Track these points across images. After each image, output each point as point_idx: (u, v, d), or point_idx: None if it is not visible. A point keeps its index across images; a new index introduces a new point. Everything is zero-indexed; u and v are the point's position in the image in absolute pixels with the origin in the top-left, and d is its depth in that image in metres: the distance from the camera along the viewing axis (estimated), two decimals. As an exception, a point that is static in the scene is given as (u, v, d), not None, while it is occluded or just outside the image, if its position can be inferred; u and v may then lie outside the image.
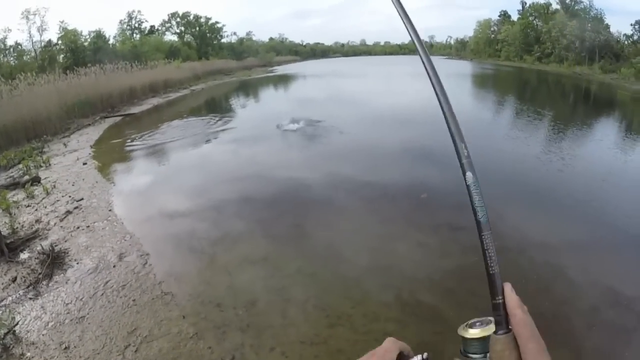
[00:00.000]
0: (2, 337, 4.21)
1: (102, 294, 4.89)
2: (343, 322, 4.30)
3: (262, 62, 56.62)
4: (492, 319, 0.73)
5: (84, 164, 10.69)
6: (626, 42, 36.81)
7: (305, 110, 17.06)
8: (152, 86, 23.72)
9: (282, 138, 12.59)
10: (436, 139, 10.46)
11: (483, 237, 0.74)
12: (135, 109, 19.59)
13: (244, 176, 9.12)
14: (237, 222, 6.86)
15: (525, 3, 52.79)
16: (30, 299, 4.94)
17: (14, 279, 5.38)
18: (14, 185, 9.15)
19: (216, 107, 21.48)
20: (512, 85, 27.77)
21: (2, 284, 5.30)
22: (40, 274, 5.42)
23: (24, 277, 5.41)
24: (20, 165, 10.57)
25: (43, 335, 4.28)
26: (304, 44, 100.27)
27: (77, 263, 5.68)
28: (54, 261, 5.67)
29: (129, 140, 13.24)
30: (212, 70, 37.11)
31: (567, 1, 44.21)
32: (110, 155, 11.67)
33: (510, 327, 0.70)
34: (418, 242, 5.94)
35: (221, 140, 12.95)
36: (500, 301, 0.71)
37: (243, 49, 58.32)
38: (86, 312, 4.58)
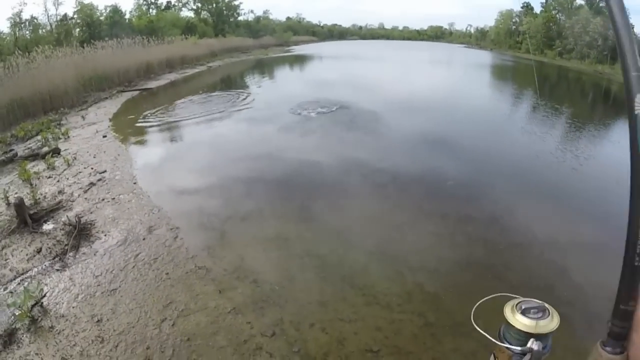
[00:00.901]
0: (29, 308, 3.96)
1: (134, 267, 4.64)
2: (379, 300, 4.08)
3: (279, 42, 55.78)
4: (548, 306, 0.61)
5: (104, 136, 10.43)
6: None
7: (320, 93, 16.81)
8: (168, 62, 23.35)
9: (297, 120, 12.16)
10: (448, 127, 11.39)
11: None
12: (152, 84, 19.26)
13: (263, 154, 8.88)
14: (262, 200, 6.59)
15: (550, -4, 51.49)
16: (57, 270, 4.70)
17: (39, 250, 5.14)
18: (34, 156, 8.91)
19: (233, 84, 21.03)
20: (532, 80, 27.07)
21: (27, 255, 5.05)
22: (66, 245, 5.18)
23: (49, 248, 5.16)
24: (39, 137, 10.33)
25: (73, 307, 4.04)
26: (322, 24, 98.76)
27: (105, 235, 5.42)
28: (81, 233, 5.42)
29: (148, 115, 12.93)
30: (229, 48, 36.56)
31: (592, -3, 43.28)
32: (129, 129, 11.37)
33: (625, 345, 0.54)
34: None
35: (239, 118, 12.56)
36: (632, 309, 0.55)
37: (260, 27, 57.35)
38: (117, 285, 4.33)
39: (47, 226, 5.76)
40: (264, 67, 30.62)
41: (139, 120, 12.25)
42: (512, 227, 5.79)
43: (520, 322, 0.59)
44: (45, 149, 9.23)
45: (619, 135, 11.60)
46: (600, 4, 41.92)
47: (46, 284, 4.43)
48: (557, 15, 48.44)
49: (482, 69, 34.63)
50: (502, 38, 61.31)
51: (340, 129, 11.03)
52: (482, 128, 12.30)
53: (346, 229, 5.59)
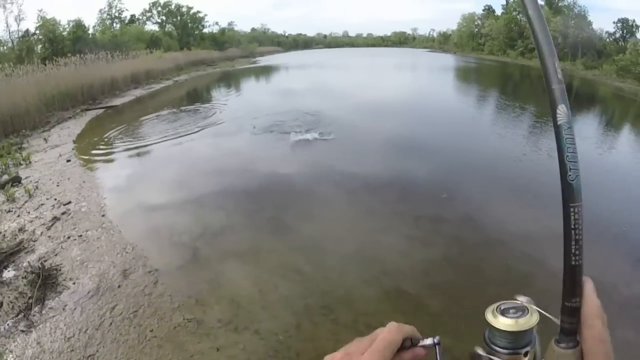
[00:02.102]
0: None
1: (111, 324, 4.06)
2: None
3: (245, 53, 55.14)
4: (528, 306, 0.60)
5: (68, 161, 9.69)
6: (608, 40, 37.77)
7: (287, 103, 16.98)
8: (133, 77, 22.44)
9: (267, 133, 11.74)
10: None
11: (572, 210, 0.59)
12: (117, 101, 18.41)
13: (233, 170, 8.63)
14: (248, 227, 6.11)
15: (510, -2, 53.04)
16: (22, 331, 4.08)
17: (0, 305, 4.49)
18: (-8, 186, 8.13)
19: (200, 99, 20.36)
20: (495, 79, 27.71)
21: (-15, 311, 4.41)
22: (30, 297, 4.56)
23: (11, 302, 4.53)
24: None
25: (47, 384, 3.46)
26: (286, 34, 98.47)
27: (73, 283, 4.81)
28: (45, 282, 4.80)
29: (113, 135, 12.19)
30: (195, 61, 35.71)
31: (551, -3, 44.79)
32: (94, 151, 10.63)
33: (579, 340, 0.57)
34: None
35: (208, 136, 11.97)
36: (577, 305, 0.58)
37: (225, 39, 56.40)
38: (95, 350, 3.75)
39: (8, 274, 5.10)
40: (231, 80, 29.97)
41: (105, 142, 11.52)
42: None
43: (502, 322, 0.59)
44: (5, 177, 8.44)
45: (581, 128, 12.59)
46: (560, 4, 43.54)
47: (11, 351, 3.82)
48: (518, 17, 50.08)
49: (446, 71, 34.97)
50: (464, 41, 62.80)
51: (309, 135, 10.87)
52: (448, 127, 12.65)
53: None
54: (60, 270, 5.08)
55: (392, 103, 16.69)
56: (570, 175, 0.59)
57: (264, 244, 5.57)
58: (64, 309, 4.36)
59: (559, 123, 0.60)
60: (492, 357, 0.60)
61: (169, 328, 3.94)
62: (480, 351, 0.62)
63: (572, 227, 0.58)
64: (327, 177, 8.00)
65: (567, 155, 0.59)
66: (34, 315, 4.30)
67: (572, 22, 40.00)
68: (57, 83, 15.32)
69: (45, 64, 16.75)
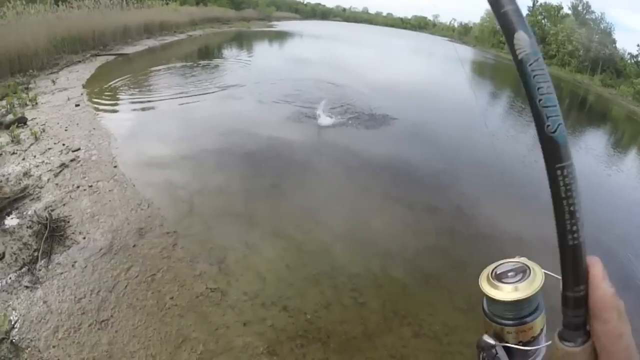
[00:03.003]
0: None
1: (126, 287, 3.65)
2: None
3: (261, 16, 53.28)
4: (528, 264, 0.53)
5: (77, 105, 9.13)
6: (629, 61, 36.68)
7: (300, 71, 16.49)
8: (147, 27, 21.51)
9: (279, 94, 11.33)
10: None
11: (560, 172, 0.47)
12: (129, 49, 17.63)
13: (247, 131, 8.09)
14: (271, 192, 5.70)
15: (537, 1, 51.31)
16: (27, 287, 3.67)
17: (2, 256, 4.07)
18: (-5, 126, 7.63)
19: (215, 57, 19.61)
20: (511, 79, 26.95)
21: (-14, 262, 3.99)
22: (36, 250, 4.13)
23: (14, 253, 4.10)
24: (4, 102, 8.93)
25: (54, 347, 3.06)
26: (305, 2, 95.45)
27: (84, 238, 4.38)
28: (53, 233, 4.37)
29: (124, 83, 11.58)
30: (210, 18, 34.33)
31: (579, 8, 43.68)
32: (105, 98, 10.05)
33: (588, 332, 0.48)
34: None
35: (224, 92, 11.44)
36: (583, 294, 0.48)
37: (242, -1, 54.80)
38: (109, 314, 3.35)
39: (11, 221, 4.66)
40: (245, 40, 29.01)
41: (115, 89, 10.92)
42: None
43: (500, 291, 0.50)
44: (10, 117, 7.89)
45: (590, 144, 12.33)
46: (587, 16, 42.44)
47: (14, 309, 3.42)
48: (543, 21, 48.63)
49: (465, 63, 34.04)
50: (486, 36, 61.10)
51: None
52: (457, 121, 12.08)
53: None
54: (68, 222, 4.64)
55: (402, 86, 16.04)
56: (549, 125, 0.47)
57: (291, 214, 5.16)
58: (73, 266, 3.94)
59: (520, 57, 0.46)
60: (505, 344, 0.51)
61: (191, 297, 3.54)
62: (488, 339, 0.52)
63: (563, 195, 0.46)
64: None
65: (540, 100, 0.47)
66: (40, 270, 3.89)
67: (596, 36, 38.94)
68: (68, 26, 14.54)
69: (58, 5, 15.94)
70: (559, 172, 0.46)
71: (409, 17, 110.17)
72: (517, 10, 0.47)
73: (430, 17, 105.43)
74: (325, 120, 9.21)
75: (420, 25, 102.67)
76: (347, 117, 9.87)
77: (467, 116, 12.42)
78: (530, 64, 0.46)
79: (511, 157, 9.22)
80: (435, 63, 31.36)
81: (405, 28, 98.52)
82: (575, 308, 0.48)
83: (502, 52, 50.97)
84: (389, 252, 4.65)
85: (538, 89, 0.46)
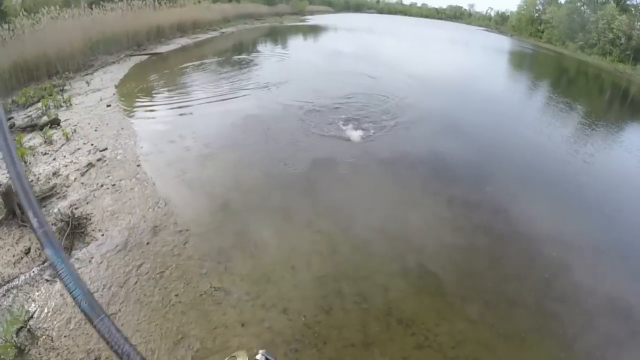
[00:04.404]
0: (14, 335, 3.25)
1: (136, 283, 3.86)
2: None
3: (294, 10, 53.45)
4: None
5: (108, 105, 9.55)
6: None
7: (335, 66, 16.19)
8: (180, 26, 22.08)
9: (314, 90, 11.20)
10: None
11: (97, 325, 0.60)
12: (163, 48, 18.17)
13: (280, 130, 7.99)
14: (293, 195, 5.76)
15: (576, -13, 49.11)
16: (47, 281, 3.94)
17: (27, 251, 4.37)
18: (32, 127, 8.08)
19: (248, 52, 19.87)
20: (551, 71, 25.79)
21: (14, 256, 4.30)
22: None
23: (38, 249, 4.39)
24: (40, 104, 9.45)
25: (65, 337, 3.30)
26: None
27: (102, 235, 4.64)
28: (74, 230, 4.65)
29: (156, 83, 11.97)
30: (242, 14, 34.81)
31: (620, -6, 41.14)
32: (135, 98, 10.42)
33: None
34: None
35: (258, 92, 11.40)
36: None
37: (275, -6, 55.10)
38: (117, 308, 3.57)
39: (39, 218, 4.97)
40: (278, 35, 29.22)
41: (146, 89, 11.28)
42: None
43: None
44: (45, 118, 8.36)
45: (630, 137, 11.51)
46: (628, 2, 40.12)
47: (34, 300, 3.69)
48: (582, 8, 46.36)
49: (502, 54, 33.04)
50: (523, 25, 58.93)
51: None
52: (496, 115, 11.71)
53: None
54: (90, 219, 4.92)
55: (439, 79, 15.76)
56: (81, 303, 0.57)
57: (302, 218, 5.25)
58: (90, 261, 4.19)
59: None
60: None
61: (195, 295, 3.70)
62: None
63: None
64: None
65: (70, 288, 0.56)
66: (60, 265, 4.15)
67: (638, 24, 36.74)
68: (102, 28, 15.16)
69: (92, 8, 16.58)
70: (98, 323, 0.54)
71: (444, 7, 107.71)
72: None
73: (465, 7, 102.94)
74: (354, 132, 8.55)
75: (455, 15, 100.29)
76: (380, 112, 9.93)
77: (507, 109, 12.20)
78: None
79: (551, 151, 8.97)
80: (472, 53, 30.67)
81: (440, 18, 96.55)
82: None
83: (540, 41, 49.14)
84: (400, 254, 4.63)
85: None
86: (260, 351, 0.67)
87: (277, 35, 29.19)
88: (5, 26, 11.40)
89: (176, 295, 3.69)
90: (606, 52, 38.16)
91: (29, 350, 3.21)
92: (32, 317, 3.49)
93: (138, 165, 6.42)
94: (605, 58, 37.54)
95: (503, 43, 44.16)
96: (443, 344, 3.43)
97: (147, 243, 4.46)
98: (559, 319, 3.86)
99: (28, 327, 3.39)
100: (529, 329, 3.68)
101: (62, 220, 4.71)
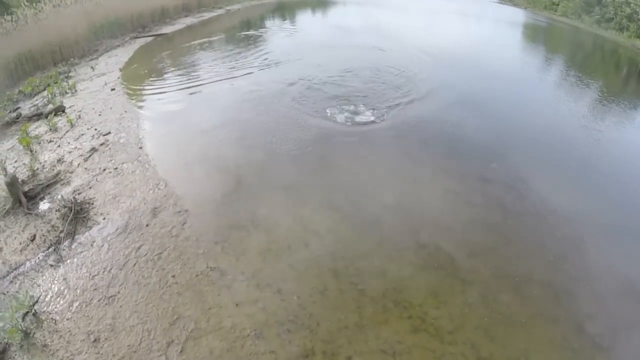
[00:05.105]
0: (21, 318, 3.39)
1: (135, 265, 3.96)
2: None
3: (302, -16, 52.64)
4: None
5: (112, 89, 9.59)
6: None
7: (342, 40, 15.52)
8: (185, 5, 21.81)
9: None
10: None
11: None
12: (167, 29, 18.03)
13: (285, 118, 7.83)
14: (293, 181, 5.74)
15: (592, -43, 46.62)
16: (51, 266, 4.08)
17: (33, 238, 4.51)
18: (37, 115, 8.20)
19: (253, 30, 19.62)
20: (565, 44, 24.81)
21: (21, 243, 4.44)
22: (61, 232, 4.53)
23: (43, 235, 4.53)
24: (45, 93, 9.56)
25: (67, 320, 3.44)
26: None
27: (104, 219, 4.74)
28: (77, 215, 4.76)
29: (160, 64, 11.93)
30: (249, -10, 34.34)
31: (638, -36, 38.78)
32: (139, 80, 10.42)
33: None
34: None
35: (264, 72, 11.11)
36: None
37: (281, -32, 53.94)
38: (117, 290, 3.67)
39: (43, 206, 5.11)
40: (286, 11, 28.71)
41: (151, 71, 11.26)
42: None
43: None
44: (50, 106, 8.46)
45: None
46: None
47: (39, 285, 3.83)
48: None
49: (514, 26, 31.91)
50: None
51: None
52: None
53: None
54: (92, 204, 5.02)
55: (449, 53, 15.28)
56: None
57: (304, 198, 5.26)
58: (92, 245, 4.30)
59: None
60: None
61: (191, 275, 3.78)
62: None
63: None
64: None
65: None
66: (64, 250, 4.28)
67: None
68: (106, 11, 15.06)
69: (93, -6, 16.48)
70: None
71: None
72: None
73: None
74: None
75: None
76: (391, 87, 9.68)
77: (522, 85, 11.87)
78: None
79: (566, 128, 8.62)
80: (484, 27, 29.74)
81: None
82: None
83: (555, 14, 47.40)
84: (399, 232, 4.59)
85: None
86: None
87: (285, 11, 28.64)
88: (8, 17, 11.45)
89: (173, 277, 3.77)
90: (623, 27, 36.73)
91: (34, 333, 3.35)
92: (37, 302, 3.61)
93: (140, 148, 6.48)
94: (622, 33, 36.14)
95: (517, 16, 42.62)
96: (440, 327, 3.40)
97: (147, 225, 4.54)
98: (564, 304, 3.76)
99: (33, 311, 3.51)
100: (532, 314, 3.61)
101: (65, 206, 4.82)
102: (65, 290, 3.72)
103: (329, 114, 7.67)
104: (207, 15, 23.21)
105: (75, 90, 9.58)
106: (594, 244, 4.60)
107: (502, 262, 4.19)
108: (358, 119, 7.60)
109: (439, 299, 3.66)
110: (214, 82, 9.98)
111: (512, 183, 5.72)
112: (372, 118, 7.63)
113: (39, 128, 7.50)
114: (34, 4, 13.21)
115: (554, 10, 49.75)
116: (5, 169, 5.71)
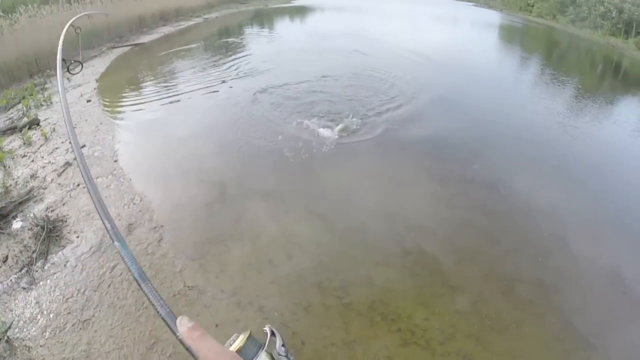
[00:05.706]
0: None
1: (109, 286, 3.86)
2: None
3: (279, -8, 52.66)
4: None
5: (88, 101, 9.43)
6: None
7: (321, 45, 15.85)
8: (162, 14, 21.65)
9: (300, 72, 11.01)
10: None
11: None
12: (145, 38, 17.84)
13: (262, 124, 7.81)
14: (268, 189, 5.70)
15: (566, -43, 47.92)
16: (24, 289, 3.95)
17: (5, 259, 4.38)
18: (12, 129, 8.01)
19: (229, 37, 19.55)
20: (541, 44, 25.43)
21: (-10, 264, 4.29)
22: (34, 252, 4.40)
23: (15, 256, 4.40)
24: (20, 105, 9.35)
25: (41, 347, 3.32)
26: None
27: (77, 237, 4.62)
28: (50, 234, 4.64)
29: (137, 74, 11.80)
30: (227, -1, 34.24)
31: (610, -34, 40.03)
32: (116, 90, 10.28)
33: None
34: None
35: (241, 81, 11.05)
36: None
37: (259, -24, 53.86)
38: (91, 314, 3.57)
39: (16, 224, 4.96)
40: (264, 19, 28.71)
41: (127, 81, 11.13)
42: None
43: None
44: (25, 119, 8.28)
45: (620, 112, 10.97)
46: None
47: (11, 310, 3.70)
48: None
49: (489, 28, 32.49)
50: None
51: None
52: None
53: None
54: (65, 221, 4.90)
55: (430, 55, 15.45)
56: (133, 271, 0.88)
57: (284, 209, 5.21)
58: (65, 266, 4.19)
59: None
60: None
61: (168, 295, 3.70)
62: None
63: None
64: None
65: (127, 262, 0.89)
66: (36, 271, 4.16)
67: None
68: (82, 22, 14.87)
69: (71, 3, 16.23)
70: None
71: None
72: None
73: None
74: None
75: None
76: (370, 86, 9.84)
77: (499, 85, 12.05)
78: None
79: (544, 125, 8.81)
80: (461, 29, 30.17)
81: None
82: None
83: (531, 15, 48.41)
84: (380, 242, 4.57)
85: None
86: (267, 325, 0.75)
87: (263, 19, 28.65)
88: (-17, 29, 11.22)
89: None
90: (597, 25, 37.65)
91: (8, 360, 3.23)
92: (9, 327, 3.49)
93: (115, 161, 6.36)
94: (596, 32, 37.05)
95: (493, 18, 43.37)
96: (431, 339, 3.37)
97: (122, 243, 4.42)
98: (554, 303, 3.82)
99: (6, 338, 3.39)
100: (522, 318, 3.63)
101: (37, 225, 4.70)
102: (39, 315, 3.60)
103: (308, 123, 7.65)
104: (185, 24, 23.07)
105: (51, 103, 9.40)
106: (577, 239, 4.79)
107: (491, 265, 4.24)
108: (335, 124, 7.63)
109: (428, 308, 3.64)
110: (191, 91, 9.88)
111: (495, 183, 5.88)
112: (355, 126, 7.65)
113: (13, 142, 7.31)
114: (9, 15, 12.97)
115: (529, 11, 50.72)
116: (-24, 188, 5.55)
